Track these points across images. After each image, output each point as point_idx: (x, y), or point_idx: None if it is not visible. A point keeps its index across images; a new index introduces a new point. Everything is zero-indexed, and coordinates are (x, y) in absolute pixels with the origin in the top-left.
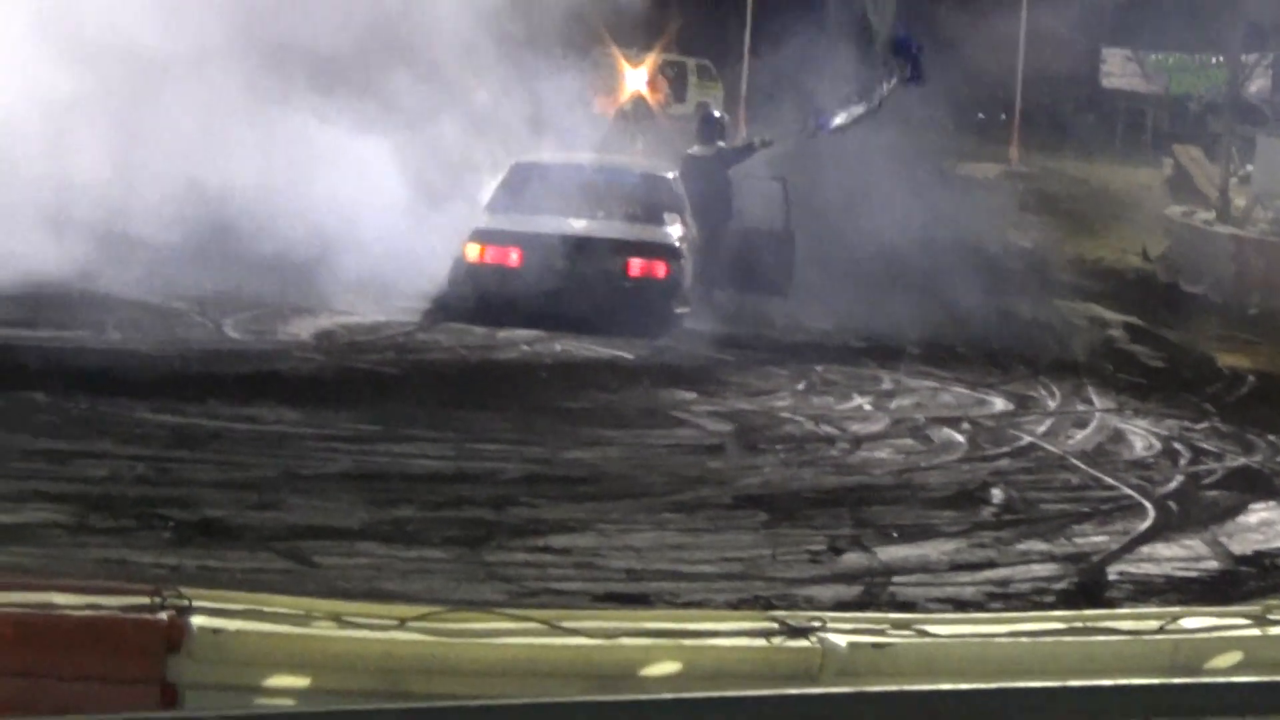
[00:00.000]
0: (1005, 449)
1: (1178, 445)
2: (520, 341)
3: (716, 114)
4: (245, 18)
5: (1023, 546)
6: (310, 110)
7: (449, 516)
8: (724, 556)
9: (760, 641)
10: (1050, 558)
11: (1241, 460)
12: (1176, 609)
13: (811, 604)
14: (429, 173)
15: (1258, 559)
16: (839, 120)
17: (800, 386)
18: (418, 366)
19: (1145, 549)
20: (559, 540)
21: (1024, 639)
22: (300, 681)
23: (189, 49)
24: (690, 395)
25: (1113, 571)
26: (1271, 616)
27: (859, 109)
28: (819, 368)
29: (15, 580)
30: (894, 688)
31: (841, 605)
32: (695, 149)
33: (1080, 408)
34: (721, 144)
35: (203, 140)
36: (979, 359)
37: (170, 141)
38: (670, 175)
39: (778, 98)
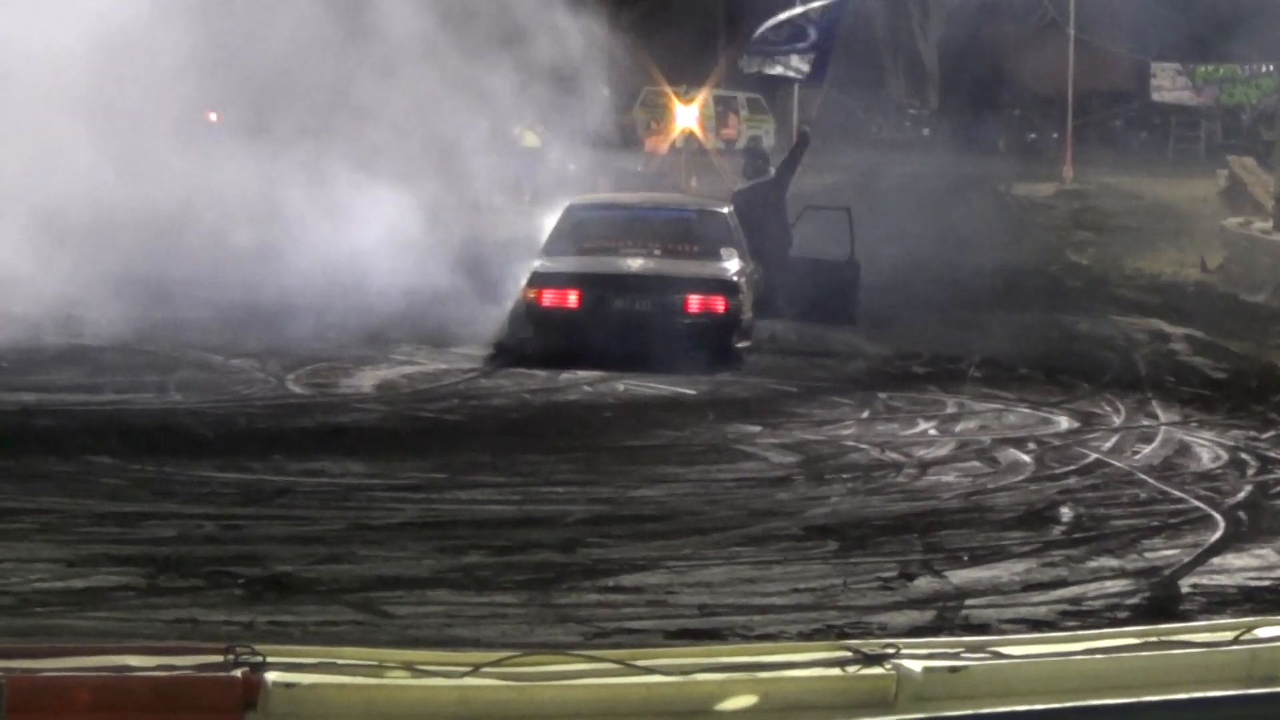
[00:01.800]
0: (1072, 467)
1: (1244, 455)
2: (582, 383)
3: (762, 146)
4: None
5: (1094, 563)
6: (349, 161)
7: (518, 561)
8: (795, 588)
9: (835, 671)
10: (1122, 573)
11: None
12: (1251, 619)
13: (885, 631)
14: (475, 216)
15: None
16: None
17: (864, 414)
18: (481, 412)
19: (1216, 560)
20: (630, 579)
21: (1099, 656)
22: None
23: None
24: (755, 428)
25: (1185, 584)
26: None
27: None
28: (882, 395)
29: (88, 645)
30: (970, 711)
31: (915, 631)
32: (743, 184)
33: (1145, 422)
34: (770, 170)
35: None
36: (1042, 378)
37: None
38: (725, 210)
39: (828, 127)
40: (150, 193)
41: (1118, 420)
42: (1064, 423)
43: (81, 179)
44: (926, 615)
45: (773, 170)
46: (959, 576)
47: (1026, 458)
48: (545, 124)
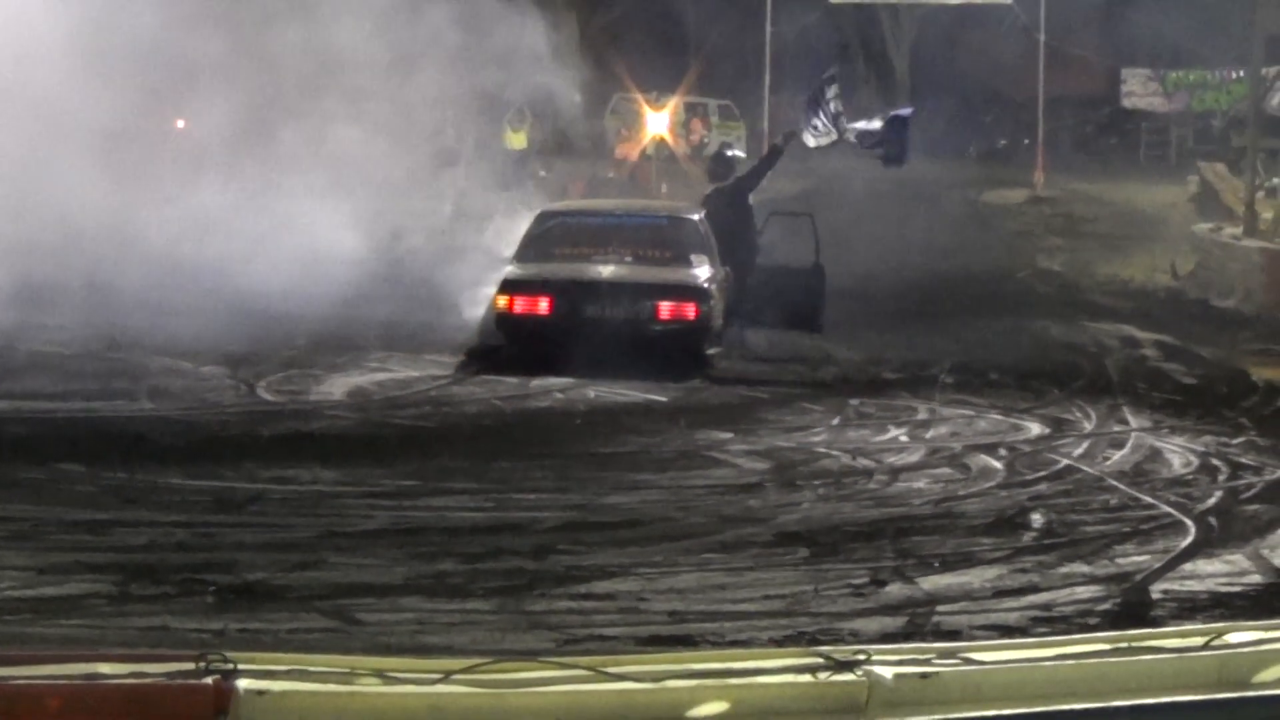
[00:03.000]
0: (1043, 473)
1: (1215, 461)
2: (554, 389)
3: (729, 153)
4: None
5: (1065, 569)
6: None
7: (490, 568)
8: (767, 594)
9: (806, 677)
10: (1093, 579)
11: None
12: (1221, 625)
13: (856, 637)
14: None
15: None
16: (811, 142)
17: (835, 421)
18: (452, 419)
19: (1188, 566)
20: (601, 586)
21: (1070, 662)
22: None
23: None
24: (726, 435)
25: (1156, 590)
26: None
27: (825, 139)
28: (853, 401)
29: (60, 653)
30: (942, 716)
31: (886, 637)
32: (710, 187)
33: (1116, 428)
34: (737, 174)
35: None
36: (1013, 384)
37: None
38: (695, 216)
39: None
40: (117, 199)
41: (1089, 426)
42: (1035, 429)
43: (45, 186)
44: (898, 621)
45: (739, 175)
46: (930, 583)
47: (997, 464)
48: (534, 115)
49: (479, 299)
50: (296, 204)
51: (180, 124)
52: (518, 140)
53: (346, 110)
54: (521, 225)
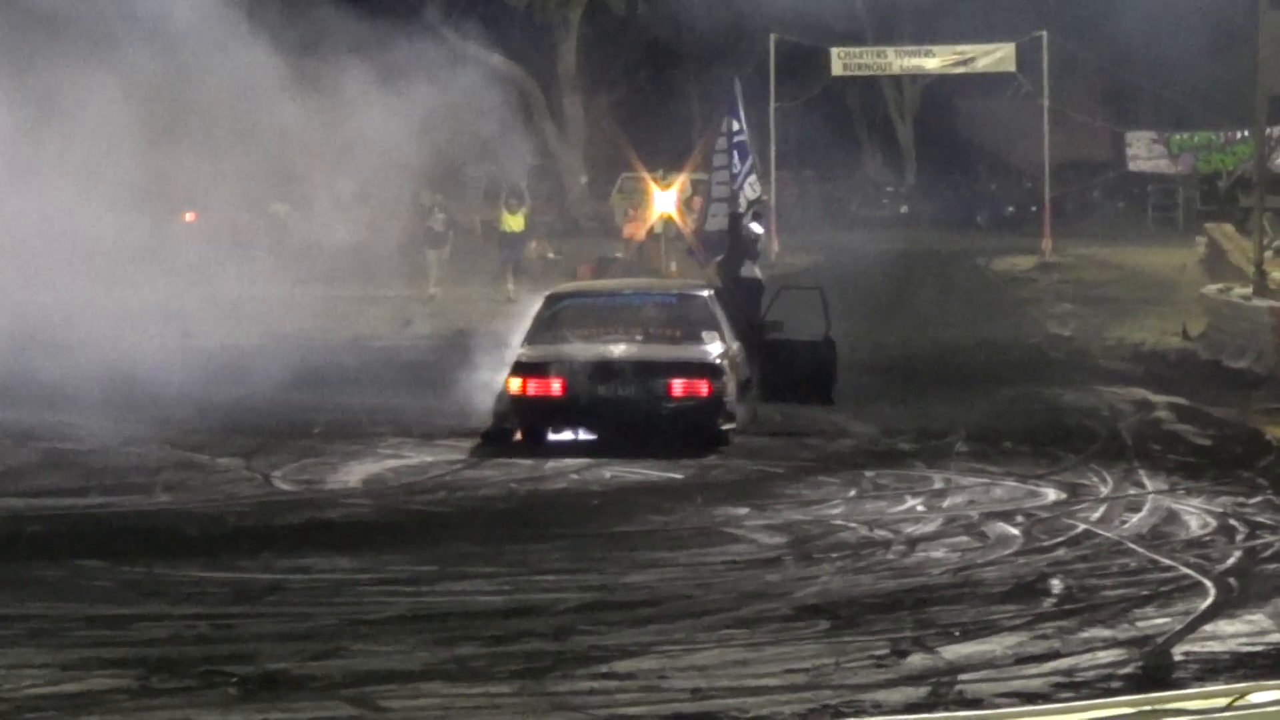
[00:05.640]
0: (1061, 539)
1: (1233, 521)
2: (569, 470)
3: (752, 226)
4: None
5: (1086, 634)
6: None
7: (511, 650)
8: (788, 668)
9: None
10: (1114, 643)
11: None
12: (1244, 685)
13: (879, 709)
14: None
15: None
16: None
17: (851, 493)
18: (468, 503)
19: (1208, 627)
20: (622, 665)
21: None
22: None
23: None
24: (743, 510)
25: (1178, 652)
26: None
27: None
28: (869, 473)
29: None
30: None
31: (910, 707)
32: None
33: (1132, 491)
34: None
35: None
36: (1028, 451)
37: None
38: (705, 293)
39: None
40: (126, 293)
41: (1105, 490)
42: (1051, 494)
43: (51, 280)
44: (920, 692)
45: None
46: (951, 652)
47: (1015, 531)
48: (521, 198)
49: (488, 383)
50: (293, 290)
51: (189, 218)
52: (515, 223)
53: (330, 194)
54: (524, 310)
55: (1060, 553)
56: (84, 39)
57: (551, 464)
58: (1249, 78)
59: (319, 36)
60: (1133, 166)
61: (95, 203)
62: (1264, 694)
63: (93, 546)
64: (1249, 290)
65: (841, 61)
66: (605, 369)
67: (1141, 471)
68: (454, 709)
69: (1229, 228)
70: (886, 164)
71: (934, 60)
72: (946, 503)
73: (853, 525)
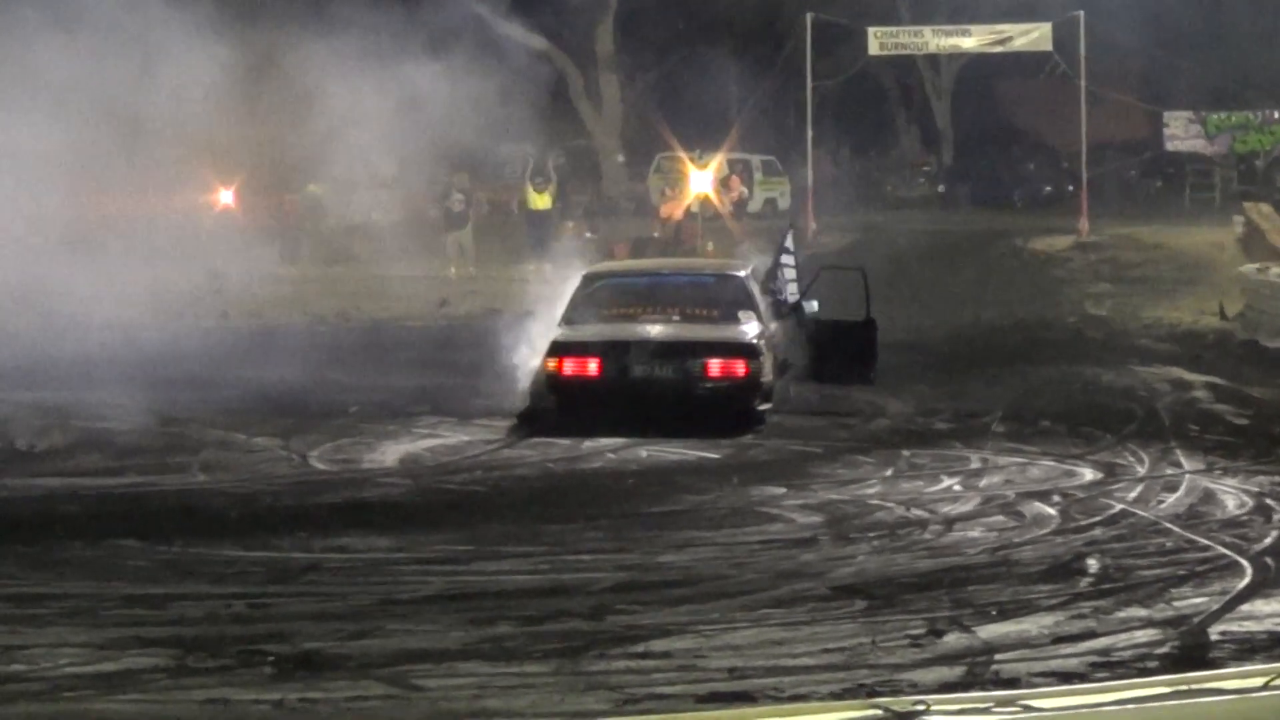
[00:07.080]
0: (1097, 518)
1: (1270, 501)
2: (605, 450)
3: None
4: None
5: (1122, 614)
6: None
7: (547, 630)
8: (825, 648)
9: None
10: (1150, 623)
11: None
12: None
13: (915, 688)
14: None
15: None
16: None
17: (888, 472)
18: (505, 483)
19: (1245, 607)
20: (659, 645)
21: (1130, 706)
22: None
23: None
24: (779, 490)
25: (1214, 632)
26: None
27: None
28: (905, 452)
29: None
30: None
31: (945, 687)
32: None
33: (1169, 471)
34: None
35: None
36: (1064, 431)
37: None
38: (742, 273)
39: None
40: (164, 275)
41: (1141, 470)
42: (1088, 474)
43: (91, 264)
44: (956, 671)
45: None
46: (987, 631)
47: (1052, 510)
48: (548, 176)
49: (525, 362)
50: (328, 269)
51: (224, 200)
52: (541, 201)
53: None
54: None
55: (1097, 532)
56: (124, 21)
57: (588, 444)
58: None
59: (355, 18)
60: (1170, 146)
61: (131, 185)
62: None
63: (129, 526)
64: None
65: (879, 41)
66: (642, 349)
67: (1178, 451)
68: (489, 688)
69: (1266, 207)
70: (923, 144)
71: (971, 40)
72: (983, 482)
73: (889, 505)
